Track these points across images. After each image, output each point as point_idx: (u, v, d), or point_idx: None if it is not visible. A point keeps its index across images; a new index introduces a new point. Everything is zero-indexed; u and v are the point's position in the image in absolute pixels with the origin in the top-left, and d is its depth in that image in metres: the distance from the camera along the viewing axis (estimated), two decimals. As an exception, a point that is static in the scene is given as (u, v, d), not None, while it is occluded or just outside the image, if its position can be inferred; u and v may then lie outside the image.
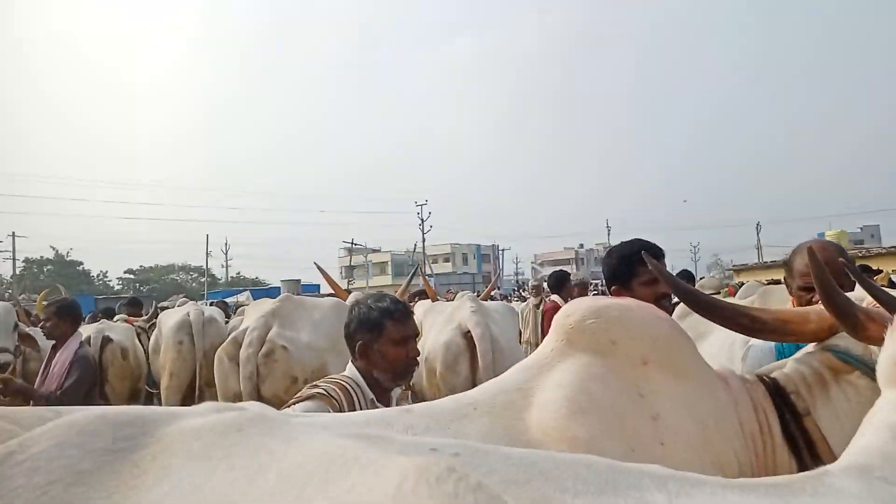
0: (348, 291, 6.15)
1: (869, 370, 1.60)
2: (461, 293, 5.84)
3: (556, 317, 1.62)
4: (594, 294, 8.62)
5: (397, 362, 2.69)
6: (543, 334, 5.51)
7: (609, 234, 69.17)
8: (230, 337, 4.70)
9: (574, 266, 67.68)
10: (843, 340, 1.68)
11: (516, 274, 71.67)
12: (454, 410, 1.45)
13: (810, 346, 1.77)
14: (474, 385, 4.56)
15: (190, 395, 5.77)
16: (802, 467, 1.56)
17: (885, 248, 36.66)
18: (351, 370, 2.76)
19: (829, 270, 2.68)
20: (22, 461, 0.57)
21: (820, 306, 1.74)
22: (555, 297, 7.85)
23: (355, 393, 2.64)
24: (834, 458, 1.57)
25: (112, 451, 0.57)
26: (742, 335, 1.83)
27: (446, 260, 71.38)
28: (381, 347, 2.67)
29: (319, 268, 7.06)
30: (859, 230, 57.19)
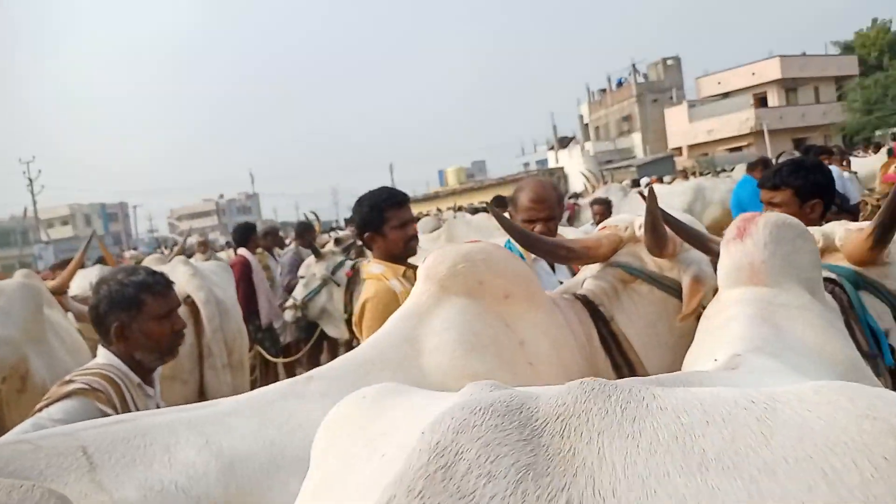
0: None
1: (649, 279, 2.01)
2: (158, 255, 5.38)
3: (425, 266, 1.70)
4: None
5: (163, 339, 2.47)
6: (238, 291, 5.39)
7: (253, 182, 68.08)
8: None
9: (216, 218, 65.36)
10: (624, 258, 2.07)
11: (150, 231, 66.58)
12: (357, 370, 1.46)
13: (595, 266, 2.14)
14: (200, 353, 4.34)
15: None
16: (615, 364, 1.92)
17: (493, 179, 42.67)
18: (106, 356, 2.45)
19: (551, 203, 3.16)
20: (469, 470, 0.48)
21: (605, 233, 2.11)
22: (242, 251, 7.64)
23: (121, 380, 2.37)
24: (635, 353, 1.97)
25: (527, 440, 0.52)
26: None
27: (65, 223, 63.03)
28: (141, 326, 2.42)
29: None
30: (470, 165, 65.25)
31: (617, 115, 50.64)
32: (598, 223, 6.99)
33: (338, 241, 7.87)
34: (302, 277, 5.76)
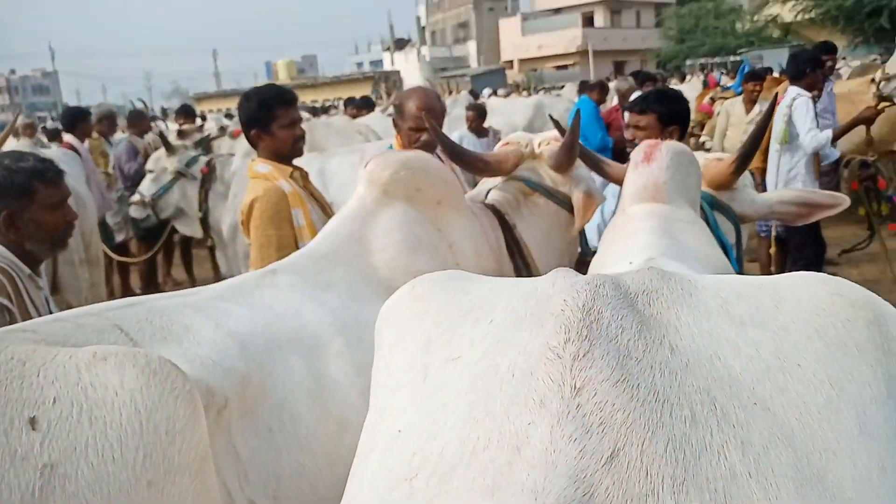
0: None
1: (546, 193, 2.26)
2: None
3: (367, 171, 1.81)
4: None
5: (55, 229, 2.39)
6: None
7: (54, 59, 60.44)
8: None
9: (7, 96, 57.74)
10: (525, 172, 2.30)
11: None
12: (315, 265, 1.59)
13: (496, 179, 2.36)
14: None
15: None
16: (516, 267, 2.18)
17: (328, 77, 41.25)
18: None
19: (437, 112, 3.32)
20: (609, 322, 0.66)
21: (510, 149, 2.32)
22: (69, 138, 7.02)
23: (13, 271, 2.28)
24: (532, 258, 2.24)
25: (631, 306, 0.70)
26: None
27: None
28: (33, 215, 2.32)
29: None
30: (301, 59, 62.54)
31: (454, 21, 50.60)
32: (470, 128, 7.21)
33: (181, 134, 7.45)
34: (151, 171, 5.45)
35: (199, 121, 10.77)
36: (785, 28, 31.60)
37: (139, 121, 7.41)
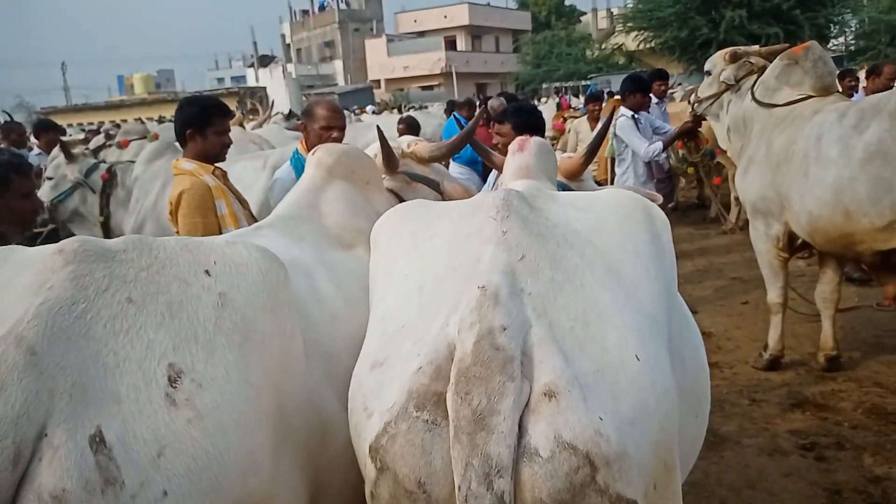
0: None
1: (422, 180, 2.90)
2: None
3: (315, 157, 2.38)
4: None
5: (26, 215, 2.77)
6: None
7: None
8: None
9: None
10: (404, 167, 2.93)
11: None
12: (287, 224, 2.16)
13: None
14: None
15: None
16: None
17: (189, 92, 40.09)
18: None
19: (342, 115, 3.90)
20: (509, 215, 1.30)
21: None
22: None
23: None
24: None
25: (526, 200, 1.36)
26: None
27: None
28: (9, 202, 2.69)
29: None
30: (157, 73, 60.22)
31: (319, 40, 50.84)
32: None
33: (64, 145, 7.47)
34: (50, 178, 5.60)
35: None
36: (629, 56, 34.66)
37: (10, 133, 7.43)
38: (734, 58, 5.04)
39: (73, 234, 6.02)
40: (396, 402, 1.25)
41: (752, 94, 4.73)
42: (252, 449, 1.30)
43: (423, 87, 43.54)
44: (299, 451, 1.50)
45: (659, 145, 5.83)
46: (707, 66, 5.37)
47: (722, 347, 5.30)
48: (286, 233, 2.10)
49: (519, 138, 2.48)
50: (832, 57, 5.25)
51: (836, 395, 4.35)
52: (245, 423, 1.29)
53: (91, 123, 26.84)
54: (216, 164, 3.63)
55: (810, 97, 4.41)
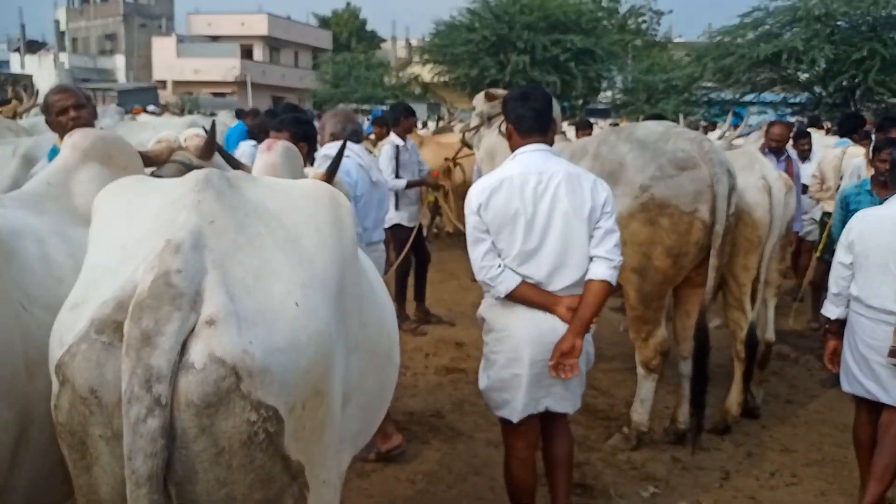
0: None
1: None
2: None
3: (71, 140, 2.51)
4: None
5: None
6: None
7: None
8: None
9: None
10: (180, 157, 3.14)
11: None
12: (35, 199, 2.30)
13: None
14: None
15: None
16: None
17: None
18: None
19: (77, 93, 3.95)
20: (214, 194, 1.59)
21: (164, 145, 3.17)
22: None
23: None
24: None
25: (227, 179, 1.65)
26: None
27: None
28: None
29: None
30: None
31: (100, 32, 47.04)
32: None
33: None
34: None
35: None
36: (425, 86, 36.28)
37: None
38: (489, 98, 5.82)
39: None
40: (81, 329, 1.50)
41: (500, 129, 5.50)
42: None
43: (216, 94, 41.81)
44: (5, 387, 1.74)
45: (401, 183, 6.65)
46: (473, 103, 6.17)
47: (471, 356, 5.87)
48: (27, 205, 2.24)
49: (268, 140, 2.83)
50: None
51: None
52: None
53: None
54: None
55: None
